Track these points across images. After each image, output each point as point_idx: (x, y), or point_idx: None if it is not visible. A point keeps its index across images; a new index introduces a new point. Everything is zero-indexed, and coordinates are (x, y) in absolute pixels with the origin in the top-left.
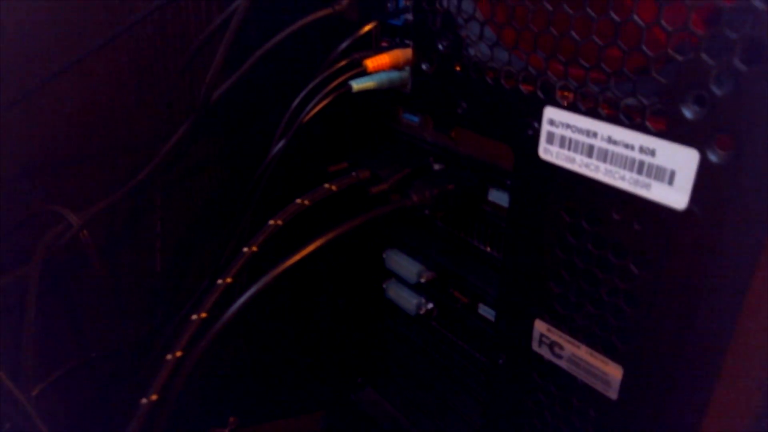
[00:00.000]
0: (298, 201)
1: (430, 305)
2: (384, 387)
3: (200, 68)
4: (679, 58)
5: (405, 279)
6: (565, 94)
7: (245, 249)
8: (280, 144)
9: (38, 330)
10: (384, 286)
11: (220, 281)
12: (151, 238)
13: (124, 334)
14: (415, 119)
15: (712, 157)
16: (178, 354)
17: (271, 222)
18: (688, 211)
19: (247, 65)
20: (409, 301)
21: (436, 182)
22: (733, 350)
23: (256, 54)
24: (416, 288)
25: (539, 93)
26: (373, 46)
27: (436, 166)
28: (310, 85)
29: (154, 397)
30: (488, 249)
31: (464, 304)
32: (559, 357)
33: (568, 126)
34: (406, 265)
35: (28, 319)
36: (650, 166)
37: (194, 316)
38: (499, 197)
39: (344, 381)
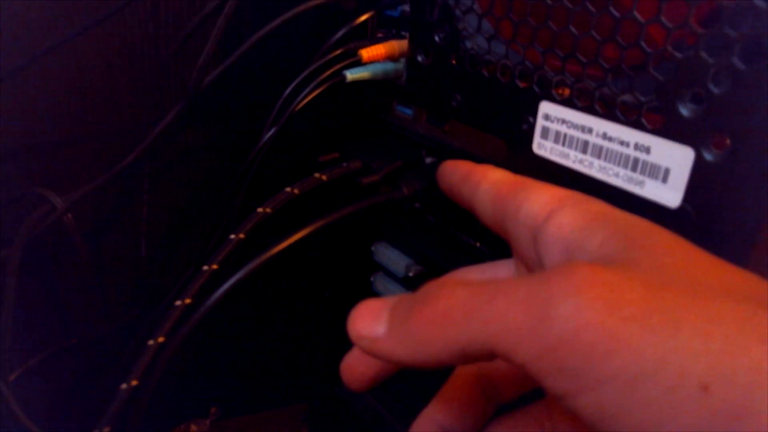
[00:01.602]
0: (288, 190)
1: None
2: None
3: (192, 53)
4: (678, 55)
5: (393, 272)
6: (562, 89)
7: (232, 236)
8: (271, 132)
9: (18, 314)
10: (371, 279)
11: (205, 267)
12: (136, 224)
13: (107, 320)
14: (409, 112)
15: (708, 156)
16: (160, 340)
17: (260, 210)
18: (681, 209)
19: (240, 51)
20: (396, 294)
21: (427, 175)
22: None
23: (250, 40)
24: (404, 282)
25: (535, 87)
26: (369, 37)
27: (428, 160)
28: (304, 73)
29: (134, 383)
30: (478, 244)
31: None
32: None
33: (563, 121)
34: (394, 259)
35: (8, 302)
36: (644, 163)
37: (178, 302)
38: None
39: (328, 374)
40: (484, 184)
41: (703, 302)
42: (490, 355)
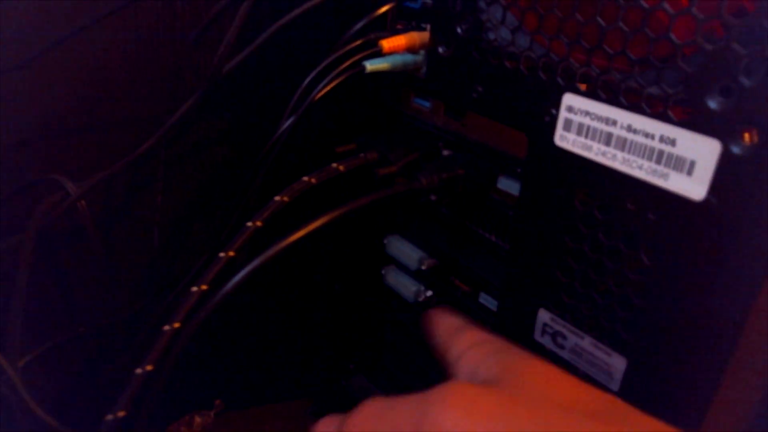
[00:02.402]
0: (305, 179)
1: (430, 293)
2: (376, 374)
3: (209, 43)
4: (708, 46)
5: (405, 265)
6: (586, 81)
7: (249, 224)
8: (290, 121)
9: (29, 300)
10: (383, 271)
11: (222, 254)
12: (150, 213)
13: (118, 309)
14: (427, 104)
15: (735, 149)
16: (176, 325)
17: (277, 198)
18: (706, 202)
19: (260, 40)
20: (408, 287)
21: (445, 167)
22: (743, 348)
23: (270, 29)
24: (416, 275)
25: (559, 79)
26: (388, 28)
27: (445, 152)
28: (324, 63)
29: (149, 368)
30: (493, 238)
31: (465, 293)
32: (562, 347)
33: (587, 113)
34: (407, 251)
35: (19, 288)
36: (669, 155)
37: (194, 288)
38: (508, 185)
39: (336, 367)
40: (439, 327)
41: (541, 413)
42: None
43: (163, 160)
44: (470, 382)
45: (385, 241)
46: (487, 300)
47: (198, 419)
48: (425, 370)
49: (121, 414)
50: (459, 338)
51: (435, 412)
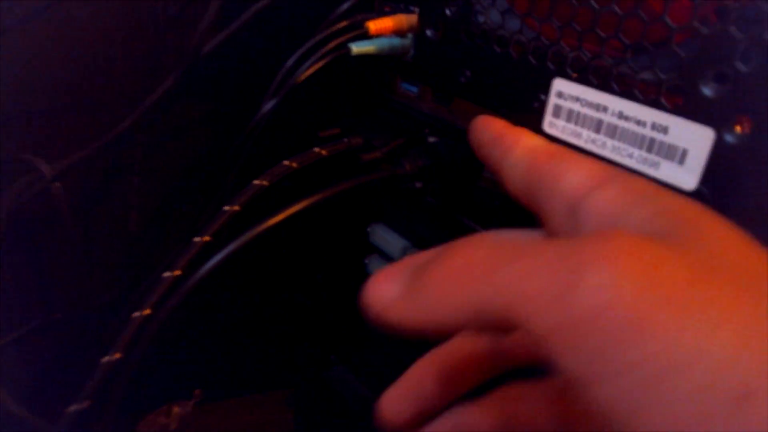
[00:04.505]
0: (286, 163)
1: None
2: (357, 366)
3: (191, 22)
4: (704, 30)
5: (389, 255)
6: (577, 66)
7: (226, 207)
8: (271, 104)
9: (1, 285)
10: (366, 261)
11: (197, 239)
12: (127, 196)
13: (93, 295)
14: (414, 89)
15: (729, 138)
16: (146, 312)
17: (256, 182)
18: (697, 192)
19: (243, 19)
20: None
21: (430, 154)
22: None
23: (253, 7)
24: None
25: (549, 64)
26: (376, 10)
27: (432, 139)
28: (308, 44)
29: (117, 356)
30: (479, 228)
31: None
32: None
33: (577, 99)
34: (391, 241)
35: None
36: (661, 144)
37: (167, 273)
38: None
39: (317, 358)
40: (518, 149)
41: (751, 300)
42: (505, 323)
43: (141, 143)
44: (637, 233)
45: (369, 230)
46: None
47: (176, 409)
48: (408, 363)
49: (85, 404)
50: (570, 170)
51: (597, 277)
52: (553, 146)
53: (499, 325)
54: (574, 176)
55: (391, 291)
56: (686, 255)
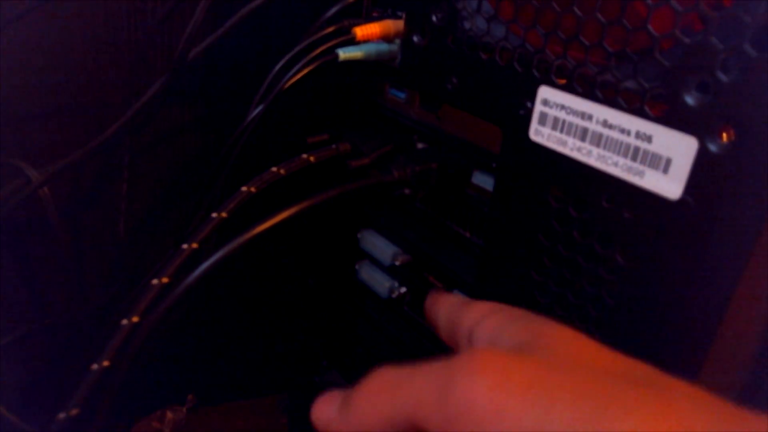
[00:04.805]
0: (274, 170)
1: (403, 289)
2: (349, 371)
3: (179, 26)
4: (686, 40)
5: (379, 261)
6: (562, 73)
7: (214, 215)
8: (258, 109)
9: None
10: (356, 267)
11: (185, 246)
12: (116, 201)
13: (83, 301)
14: (402, 95)
15: (712, 147)
16: (135, 319)
17: (244, 189)
18: (681, 201)
19: (229, 24)
20: (381, 283)
21: (419, 160)
22: (716, 350)
23: (239, 12)
24: (390, 271)
25: (534, 71)
26: (364, 15)
27: (420, 145)
28: (295, 50)
29: (105, 364)
30: (467, 234)
31: (438, 290)
32: None
33: (562, 107)
34: (381, 247)
35: None
36: (645, 152)
37: (155, 281)
38: (483, 180)
39: (309, 363)
40: (442, 307)
41: (583, 380)
42: (415, 425)
43: (129, 147)
44: (495, 349)
45: (359, 236)
46: None
47: (170, 414)
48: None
49: (74, 412)
50: (468, 310)
51: (463, 383)
52: (466, 299)
53: (413, 428)
54: (471, 313)
55: (328, 412)
56: (531, 359)
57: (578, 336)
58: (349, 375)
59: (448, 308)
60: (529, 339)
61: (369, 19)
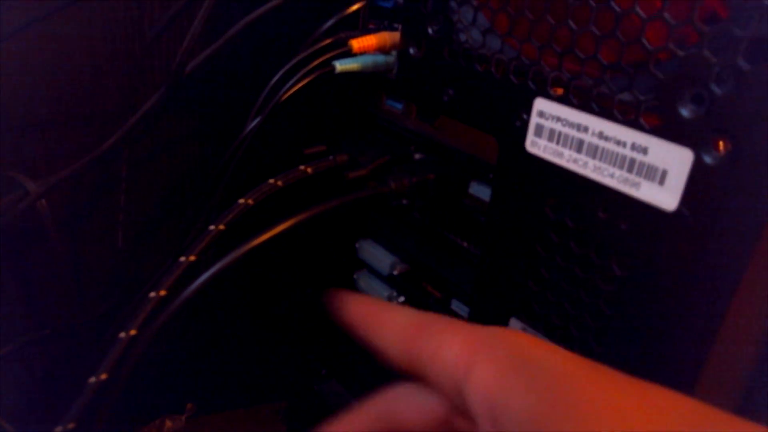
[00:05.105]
0: (271, 181)
1: (402, 299)
2: (349, 380)
3: (177, 38)
4: (680, 53)
5: (377, 270)
6: (558, 85)
7: (212, 227)
8: (256, 121)
9: None
10: (355, 276)
11: (182, 259)
12: (114, 213)
13: (81, 312)
14: (398, 106)
15: (707, 159)
16: (132, 332)
17: (241, 201)
18: (677, 212)
19: (226, 36)
20: (380, 293)
21: (416, 171)
22: (715, 360)
23: (237, 25)
24: (388, 280)
25: (530, 83)
26: (360, 27)
27: (417, 156)
28: (292, 62)
29: (103, 377)
30: (465, 244)
31: (437, 299)
32: None
33: (558, 119)
34: (379, 256)
35: None
36: (641, 164)
37: (152, 294)
38: (480, 191)
39: (308, 372)
40: (389, 330)
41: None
42: None
43: (126, 160)
44: None
45: (358, 246)
46: (459, 307)
47: (169, 423)
48: (398, 376)
49: (71, 426)
50: (444, 344)
51: None
52: (421, 318)
53: None
54: (450, 352)
55: None
56: None
57: (606, 382)
58: (349, 384)
59: (402, 335)
60: (545, 407)
61: (365, 31)
